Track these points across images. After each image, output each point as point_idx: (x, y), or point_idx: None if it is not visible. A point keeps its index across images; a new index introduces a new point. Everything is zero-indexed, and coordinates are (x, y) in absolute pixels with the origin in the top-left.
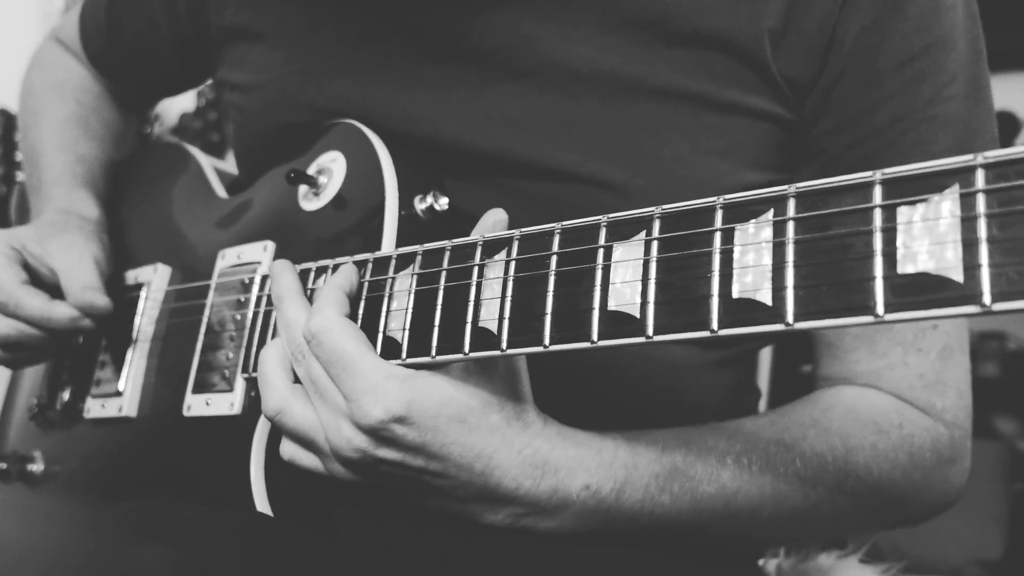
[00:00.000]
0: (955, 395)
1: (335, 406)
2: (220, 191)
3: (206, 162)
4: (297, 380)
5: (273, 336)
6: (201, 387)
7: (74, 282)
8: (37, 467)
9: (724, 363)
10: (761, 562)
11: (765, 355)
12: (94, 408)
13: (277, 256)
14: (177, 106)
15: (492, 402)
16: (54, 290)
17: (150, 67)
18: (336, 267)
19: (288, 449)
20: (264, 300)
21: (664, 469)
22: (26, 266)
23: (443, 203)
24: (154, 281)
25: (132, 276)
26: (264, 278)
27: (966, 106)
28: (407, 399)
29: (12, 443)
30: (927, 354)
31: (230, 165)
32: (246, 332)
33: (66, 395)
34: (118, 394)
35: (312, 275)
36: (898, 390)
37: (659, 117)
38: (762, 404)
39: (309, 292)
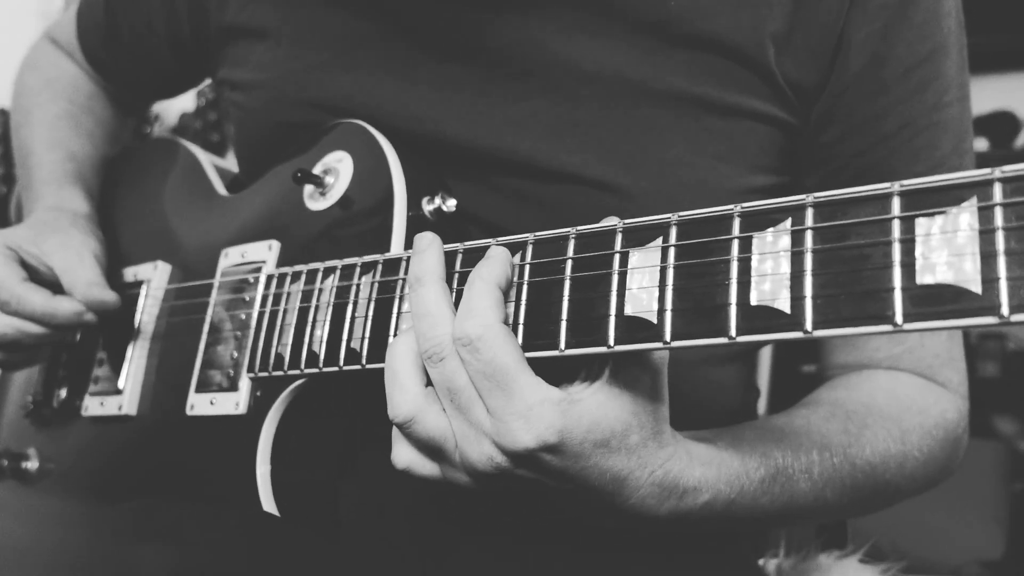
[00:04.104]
0: (963, 368)
1: (475, 421)
2: (220, 189)
3: (205, 159)
4: (429, 381)
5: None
6: (204, 386)
7: (78, 280)
8: (31, 464)
9: (726, 359)
10: (761, 562)
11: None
12: (92, 406)
13: (282, 257)
14: (177, 106)
15: (632, 424)
16: (54, 288)
17: (146, 67)
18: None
19: (405, 457)
20: (269, 300)
21: (768, 473)
22: (24, 265)
23: (451, 204)
24: (154, 279)
25: (131, 273)
26: (269, 277)
27: (959, 110)
28: (559, 428)
29: (5, 440)
30: (939, 335)
31: (230, 164)
32: (251, 331)
33: (63, 392)
34: (118, 392)
35: (330, 274)
36: (918, 370)
37: (662, 120)
38: (761, 403)
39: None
